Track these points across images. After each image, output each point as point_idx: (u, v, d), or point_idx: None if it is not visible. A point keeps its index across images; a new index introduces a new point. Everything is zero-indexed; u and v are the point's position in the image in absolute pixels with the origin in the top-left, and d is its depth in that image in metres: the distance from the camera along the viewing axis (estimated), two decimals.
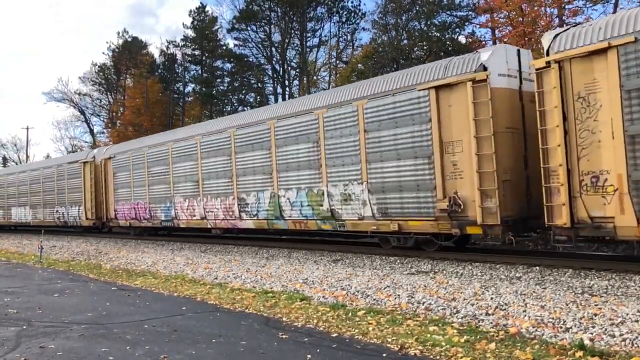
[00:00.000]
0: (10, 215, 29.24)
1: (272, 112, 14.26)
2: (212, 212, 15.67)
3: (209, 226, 16.08)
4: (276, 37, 40.89)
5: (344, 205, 11.76)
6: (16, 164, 62.34)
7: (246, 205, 14.44)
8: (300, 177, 12.83)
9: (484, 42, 26.84)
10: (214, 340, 5.52)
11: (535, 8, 23.71)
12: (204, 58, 45.95)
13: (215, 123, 17.08)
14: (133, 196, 19.37)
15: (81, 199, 22.48)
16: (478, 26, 29.07)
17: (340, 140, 11.88)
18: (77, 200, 22.87)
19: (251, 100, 43.48)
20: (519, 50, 10.12)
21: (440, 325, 5.86)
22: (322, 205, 12.23)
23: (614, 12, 19.57)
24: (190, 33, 45.84)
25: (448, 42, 28.22)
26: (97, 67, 54.22)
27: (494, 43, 24.23)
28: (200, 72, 46.54)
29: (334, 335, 5.67)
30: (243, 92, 44.21)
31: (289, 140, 13.17)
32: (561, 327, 5.45)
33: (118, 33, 69.25)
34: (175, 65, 47.79)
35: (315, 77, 42.00)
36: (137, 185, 19.15)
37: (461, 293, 7.15)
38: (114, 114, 53.78)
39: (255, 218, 14.20)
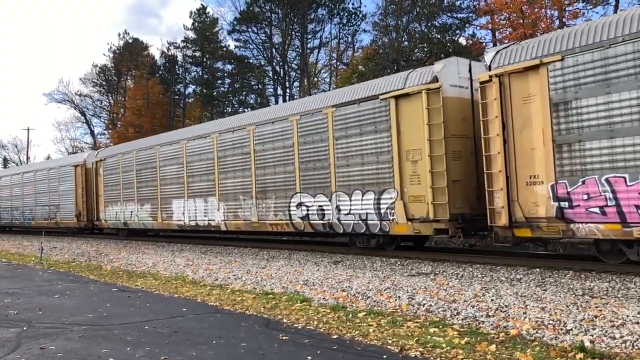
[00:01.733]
0: (170, 213, 17.54)
1: None
2: None
3: None
4: (277, 38, 41.02)
5: None
6: (17, 165, 61.55)
7: None
8: None
9: (484, 44, 26.86)
10: (214, 342, 5.52)
11: (536, 10, 23.75)
12: (204, 59, 46.05)
13: None
14: None
15: (388, 177, 11.08)
16: (478, 28, 29.14)
17: None
18: (367, 179, 11.52)
19: (252, 101, 43.58)
20: None
21: (440, 326, 5.86)
22: None
23: (615, 13, 19.57)
24: (191, 34, 45.96)
25: (449, 44, 28.27)
26: (97, 68, 54.39)
27: (495, 45, 24.24)
28: (200, 73, 46.64)
29: (335, 336, 5.66)
30: (244, 93, 44.29)
31: None
32: (562, 329, 5.45)
33: (119, 34, 69.43)
34: (176, 67, 47.88)
35: (315, 79, 42.07)
36: None
37: (461, 295, 7.15)
38: (114, 115, 53.89)
39: None
